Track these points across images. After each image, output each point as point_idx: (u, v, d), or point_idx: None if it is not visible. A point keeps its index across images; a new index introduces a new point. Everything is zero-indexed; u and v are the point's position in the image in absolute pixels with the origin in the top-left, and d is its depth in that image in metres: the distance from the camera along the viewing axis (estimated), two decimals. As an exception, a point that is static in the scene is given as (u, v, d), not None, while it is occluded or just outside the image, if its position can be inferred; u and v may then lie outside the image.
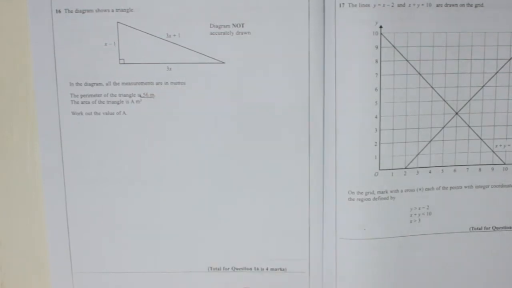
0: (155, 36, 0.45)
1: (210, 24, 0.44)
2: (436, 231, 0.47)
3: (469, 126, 0.46)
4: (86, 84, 0.45)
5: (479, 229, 0.47)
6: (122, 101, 0.45)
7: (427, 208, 0.47)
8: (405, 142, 0.46)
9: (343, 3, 0.43)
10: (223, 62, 0.45)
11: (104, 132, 0.46)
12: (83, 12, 0.44)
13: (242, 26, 0.44)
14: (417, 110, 0.45)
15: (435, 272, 0.48)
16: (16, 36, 0.45)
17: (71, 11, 0.44)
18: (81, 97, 0.45)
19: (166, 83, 0.45)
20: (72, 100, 0.45)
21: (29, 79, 0.45)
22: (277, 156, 0.46)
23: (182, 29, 0.44)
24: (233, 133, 0.46)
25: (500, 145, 0.46)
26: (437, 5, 0.44)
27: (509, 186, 0.47)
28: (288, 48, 0.44)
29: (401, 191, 0.46)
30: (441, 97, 0.45)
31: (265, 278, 0.48)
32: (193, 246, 0.47)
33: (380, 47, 0.44)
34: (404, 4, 0.44)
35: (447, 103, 0.45)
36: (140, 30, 0.44)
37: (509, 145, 0.46)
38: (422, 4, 0.44)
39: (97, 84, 0.45)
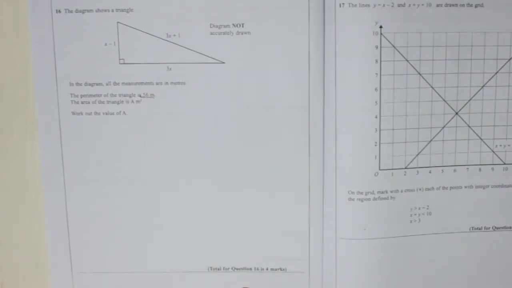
0: (155, 36, 0.45)
1: (210, 24, 0.44)
2: (436, 231, 0.47)
3: (469, 126, 0.46)
4: (86, 84, 0.45)
5: (479, 229, 0.47)
6: (122, 101, 0.45)
7: (427, 208, 0.47)
8: (405, 142, 0.46)
9: (343, 3, 0.43)
10: (223, 62, 0.45)
11: (104, 132, 0.46)
12: (83, 12, 0.44)
13: (242, 26, 0.44)
14: (417, 110, 0.45)
15: (435, 272, 0.48)
16: (16, 36, 0.45)
17: (71, 11, 0.44)
18: (81, 97, 0.45)
19: (166, 83, 0.45)
20: (72, 100, 0.45)
21: (29, 79, 0.45)
22: (277, 156, 0.46)
23: (182, 29, 0.44)
24: (233, 133, 0.46)
25: (500, 145, 0.46)
26: (437, 5, 0.44)
27: (509, 186, 0.47)
28: (288, 48, 0.44)
29: (401, 191, 0.46)
30: (441, 97, 0.45)
31: (265, 278, 0.48)
32: (193, 246, 0.47)
33: (380, 47, 0.44)
34: (404, 4, 0.44)
35: (447, 103, 0.45)
36: (140, 30, 0.44)
37: (509, 145, 0.46)
38: (422, 4, 0.44)
39: (97, 84, 0.45)
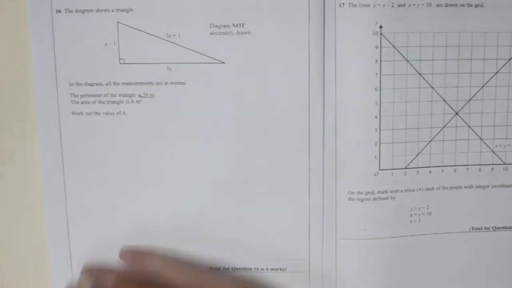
0: (155, 36, 0.45)
1: (210, 24, 0.44)
2: (436, 231, 0.47)
3: (469, 126, 0.46)
4: (86, 84, 0.45)
5: (479, 229, 0.47)
6: (122, 101, 0.45)
7: (427, 208, 0.47)
8: (405, 142, 0.46)
9: (343, 3, 0.43)
10: (223, 62, 0.45)
11: (104, 132, 0.46)
12: (83, 12, 0.44)
13: (242, 26, 0.44)
14: (417, 110, 0.45)
15: (435, 272, 0.48)
16: (16, 36, 0.45)
17: (71, 11, 0.44)
18: (81, 97, 0.45)
19: (166, 83, 0.45)
20: (72, 100, 0.45)
21: (29, 79, 0.45)
22: (277, 156, 0.46)
23: (182, 29, 0.44)
24: (233, 133, 0.46)
25: (500, 145, 0.46)
26: (437, 5, 0.44)
27: (509, 186, 0.47)
28: (288, 48, 0.44)
29: (401, 191, 0.46)
30: (441, 97, 0.45)
31: (266, 278, 0.48)
32: (193, 246, 0.47)
33: (380, 47, 0.44)
34: (404, 4, 0.44)
35: (447, 103, 0.45)
36: (140, 30, 0.44)
37: (509, 145, 0.46)
38: (422, 4, 0.44)
39: (97, 84, 0.45)
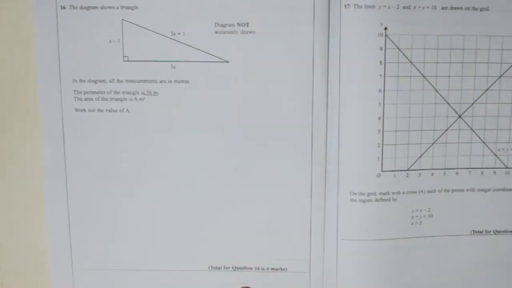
0: (160, 34, 0.45)
1: (215, 23, 0.44)
2: (437, 234, 0.47)
3: (472, 129, 0.46)
4: (89, 81, 0.45)
5: (480, 232, 0.47)
6: (126, 98, 0.45)
7: (429, 211, 0.47)
8: (408, 144, 0.46)
9: (348, 4, 0.43)
10: (227, 61, 0.45)
11: (107, 129, 0.46)
12: (87, 9, 0.44)
13: (247, 25, 0.44)
14: (420, 112, 0.45)
15: (435, 274, 0.48)
16: (21, 32, 0.45)
17: (76, 8, 0.44)
18: (84, 94, 0.45)
19: (170, 81, 0.45)
20: (75, 97, 0.45)
21: (32, 76, 0.45)
22: (279, 156, 0.46)
23: (186, 28, 0.44)
24: (236, 133, 0.46)
25: (503, 149, 0.46)
26: (442, 8, 0.44)
27: (511, 190, 0.47)
28: (292, 48, 0.44)
29: (403, 193, 0.46)
30: (444, 99, 0.45)
31: (266, 278, 0.48)
32: (194, 245, 0.47)
33: (385, 48, 0.44)
34: (409, 6, 0.44)
35: (450, 106, 0.45)
36: (145, 28, 0.44)
37: (511, 149, 0.46)
38: (427, 7, 0.44)
39: (100, 81, 0.45)
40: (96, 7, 0.44)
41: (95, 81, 0.45)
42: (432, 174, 0.46)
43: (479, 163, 0.46)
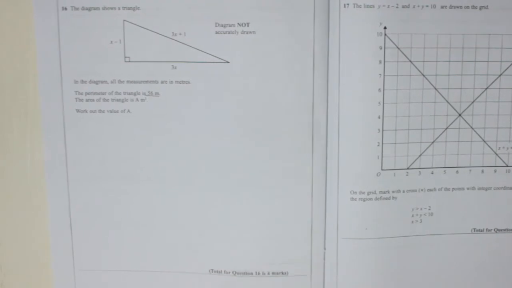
0: (161, 35, 0.45)
1: (215, 23, 0.44)
2: (437, 232, 0.47)
3: (472, 128, 0.46)
4: (91, 81, 0.45)
5: (481, 231, 0.47)
6: (127, 99, 0.46)
7: (429, 209, 0.47)
8: (408, 142, 0.46)
9: (348, 4, 0.44)
10: (228, 62, 0.45)
11: (108, 130, 0.46)
12: (89, 10, 0.44)
13: (247, 26, 0.44)
14: (420, 111, 0.45)
15: (436, 273, 0.48)
16: (22, 33, 0.45)
17: (77, 8, 0.44)
18: (85, 95, 0.46)
19: (171, 81, 0.45)
20: (76, 98, 0.46)
21: (33, 77, 0.45)
22: (280, 156, 0.46)
23: (187, 28, 0.44)
24: (236, 133, 0.46)
25: (503, 147, 0.46)
26: (442, 7, 0.44)
27: (511, 188, 0.47)
28: (292, 48, 0.44)
29: (403, 192, 0.46)
30: (444, 98, 0.45)
31: (266, 282, 0.47)
32: (195, 248, 0.47)
33: (384, 47, 0.44)
34: (409, 5, 0.44)
35: (450, 105, 0.45)
36: (146, 29, 0.45)
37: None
38: (427, 6, 0.44)
39: (102, 82, 0.45)
40: (97, 8, 0.44)
41: (96, 82, 0.45)
42: (432, 173, 0.46)
43: (479, 161, 0.46)
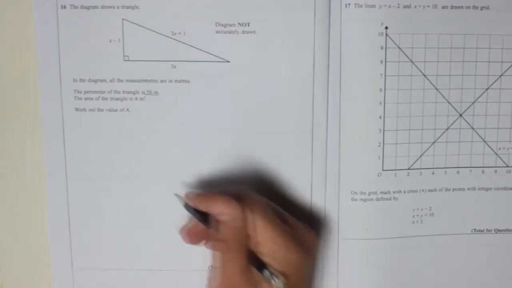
0: (160, 34, 0.44)
1: (216, 23, 0.44)
2: (438, 232, 0.47)
3: (472, 128, 0.46)
4: (90, 80, 0.45)
5: (481, 231, 0.47)
6: (126, 98, 0.45)
7: (430, 209, 0.47)
8: (409, 143, 0.46)
9: (349, 4, 0.44)
10: (228, 61, 0.45)
11: (107, 128, 0.46)
12: (88, 8, 0.44)
13: (248, 25, 0.44)
14: (421, 111, 0.45)
15: (436, 273, 0.48)
16: (21, 32, 0.45)
17: (76, 7, 0.44)
18: (84, 93, 0.45)
19: (170, 80, 0.45)
20: (75, 96, 0.45)
21: (33, 75, 0.45)
22: (280, 156, 0.46)
23: (187, 27, 0.44)
24: (236, 132, 0.46)
25: (504, 148, 0.46)
26: (443, 7, 0.44)
27: (511, 188, 0.47)
28: (293, 47, 0.44)
29: (404, 192, 0.46)
30: (445, 98, 0.45)
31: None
32: (193, 247, 0.47)
33: (385, 48, 0.44)
34: (410, 5, 0.44)
35: (451, 105, 0.46)
36: (145, 28, 0.44)
37: (512, 148, 0.47)
38: (428, 6, 0.44)
39: (101, 81, 0.45)
40: (96, 7, 0.44)
41: (95, 81, 0.45)
42: (433, 173, 0.46)
43: (480, 162, 0.46)
